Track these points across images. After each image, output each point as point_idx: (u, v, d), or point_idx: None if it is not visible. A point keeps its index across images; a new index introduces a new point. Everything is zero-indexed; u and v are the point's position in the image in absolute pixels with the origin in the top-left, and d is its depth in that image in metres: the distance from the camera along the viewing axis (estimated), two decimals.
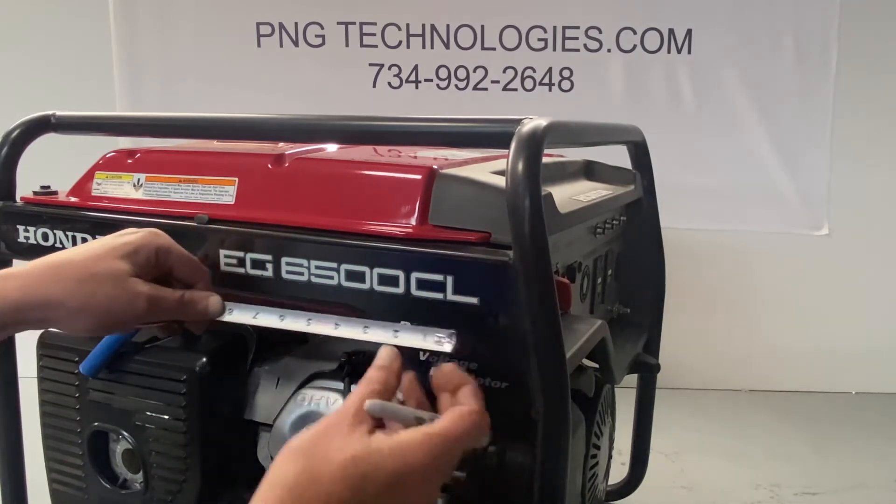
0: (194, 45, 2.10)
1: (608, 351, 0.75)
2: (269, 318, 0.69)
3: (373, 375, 0.54)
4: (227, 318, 0.69)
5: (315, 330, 0.67)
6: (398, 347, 0.57)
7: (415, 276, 0.63)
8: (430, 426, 0.50)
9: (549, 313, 0.57)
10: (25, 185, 0.86)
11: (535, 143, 0.58)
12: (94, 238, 0.75)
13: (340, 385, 0.73)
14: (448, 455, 0.50)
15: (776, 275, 2.15)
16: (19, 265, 0.67)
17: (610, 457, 0.97)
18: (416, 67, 2.10)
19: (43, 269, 0.62)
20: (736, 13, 2.05)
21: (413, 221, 0.66)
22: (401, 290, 0.64)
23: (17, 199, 0.85)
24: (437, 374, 0.55)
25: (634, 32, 2.07)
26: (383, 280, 0.64)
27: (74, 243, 0.79)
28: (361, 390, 0.52)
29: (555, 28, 2.08)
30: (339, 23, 2.09)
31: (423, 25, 2.08)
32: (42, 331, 0.80)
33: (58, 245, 0.80)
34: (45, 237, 0.81)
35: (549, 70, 2.09)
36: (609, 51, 2.08)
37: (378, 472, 0.47)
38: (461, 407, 0.52)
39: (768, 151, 2.09)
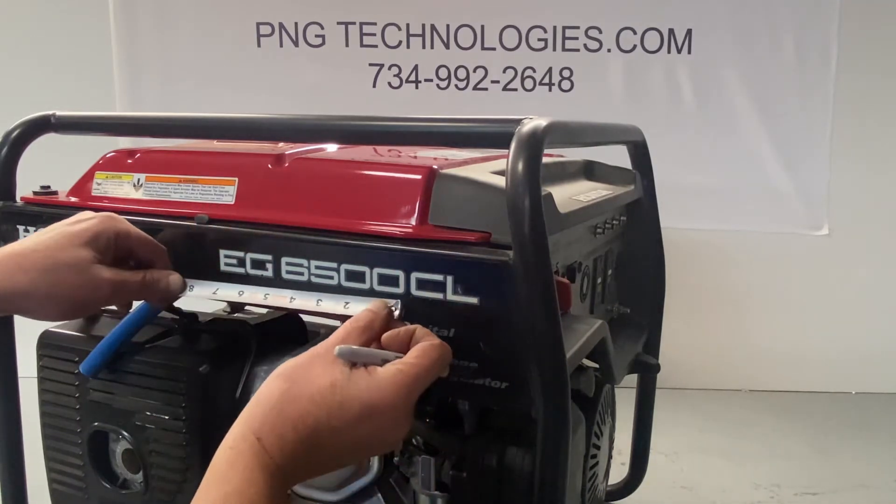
0: (194, 45, 2.10)
1: (608, 351, 0.75)
2: (228, 293, 0.70)
3: (360, 315, 0.59)
4: (188, 294, 0.71)
5: (272, 303, 0.69)
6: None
7: (415, 276, 0.63)
8: (402, 362, 0.55)
9: (549, 313, 0.57)
10: (25, 185, 0.85)
11: (535, 143, 0.58)
12: None
13: None
14: (417, 387, 0.55)
15: (776, 275, 2.15)
16: None
17: (610, 457, 0.97)
18: (416, 67, 2.10)
19: (5, 259, 0.63)
20: (736, 13, 2.05)
21: (413, 221, 0.66)
22: (401, 290, 0.64)
23: (17, 199, 0.84)
24: (385, 340, 0.58)
25: (634, 32, 2.07)
26: (383, 280, 0.64)
27: None
28: (347, 326, 0.58)
29: (555, 28, 2.08)
30: (339, 23, 2.09)
31: (423, 25, 2.08)
32: (42, 331, 0.80)
33: None
34: None
35: (549, 70, 2.09)
36: (609, 51, 2.08)
37: (353, 402, 0.52)
38: (423, 343, 0.57)
39: (768, 151, 2.09)
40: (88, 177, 0.84)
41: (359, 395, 0.53)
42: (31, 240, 0.66)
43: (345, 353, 0.54)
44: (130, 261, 0.70)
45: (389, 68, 2.11)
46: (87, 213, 0.69)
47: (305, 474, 0.54)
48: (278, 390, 0.53)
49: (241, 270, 0.71)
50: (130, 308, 0.76)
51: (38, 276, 0.63)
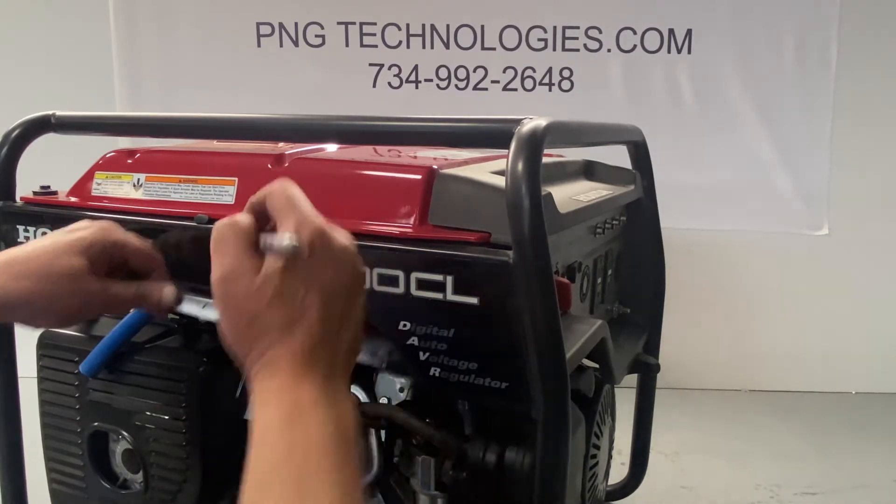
0: (194, 46, 2.11)
1: (608, 351, 0.75)
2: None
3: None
4: (178, 309, 0.70)
5: None
6: None
7: (415, 276, 0.63)
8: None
9: (549, 313, 0.57)
10: (25, 185, 0.85)
11: (535, 143, 0.58)
12: None
13: None
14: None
15: (776, 275, 2.15)
16: None
17: (610, 457, 0.97)
18: (416, 67, 2.10)
19: (4, 267, 0.63)
20: (736, 13, 2.05)
21: (413, 221, 0.66)
22: (401, 290, 0.64)
23: (17, 199, 0.84)
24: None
25: (634, 32, 2.07)
26: (383, 280, 0.64)
27: None
28: None
29: (555, 28, 2.08)
30: (339, 23, 2.09)
31: (423, 25, 2.08)
32: (42, 330, 0.80)
33: None
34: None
35: (549, 70, 2.09)
36: (609, 51, 2.08)
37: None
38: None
39: (768, 151, 2.09)
40: (88, 177, 0.84)
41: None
42: (27, 248, 0.66)
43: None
44: (126, 271, 0.69)
45: (389, 68, 2.11)
46: (84, 223, 0.69)
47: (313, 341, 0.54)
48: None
49: None
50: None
51: (33, 285, 0.63)
